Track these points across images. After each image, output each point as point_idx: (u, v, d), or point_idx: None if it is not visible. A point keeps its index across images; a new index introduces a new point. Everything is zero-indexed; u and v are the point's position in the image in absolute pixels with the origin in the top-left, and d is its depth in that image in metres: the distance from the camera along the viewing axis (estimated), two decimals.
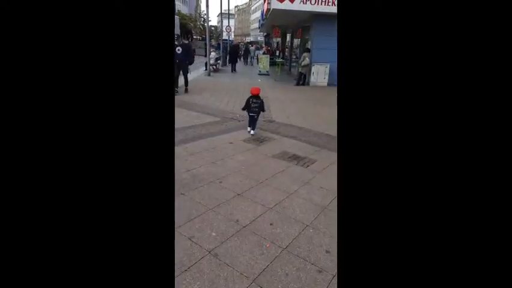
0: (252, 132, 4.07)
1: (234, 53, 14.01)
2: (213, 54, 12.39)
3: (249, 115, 4.10)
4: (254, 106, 4.03)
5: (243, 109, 4.18)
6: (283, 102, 5.74)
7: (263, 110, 4.27)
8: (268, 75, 12.13)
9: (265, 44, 24.65)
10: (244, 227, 2.00)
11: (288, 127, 4.72)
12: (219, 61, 13.53)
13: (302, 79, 9.77)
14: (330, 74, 9.77)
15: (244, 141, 3.87)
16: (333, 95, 7.24)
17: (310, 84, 9.82)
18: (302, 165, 3.17)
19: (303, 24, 11.19)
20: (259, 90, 4.21)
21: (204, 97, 6.75)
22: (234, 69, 13.27)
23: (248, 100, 4.09)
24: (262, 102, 4.12)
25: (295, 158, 3.36)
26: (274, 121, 5.04)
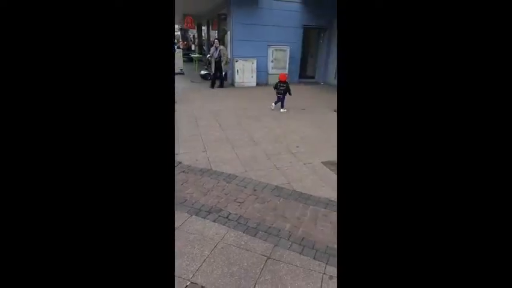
0: (272, 107, 5.44)
1: None
2: None
3: (277, 95, 5.45)
4: (280, 88, 5.37)
5: (274, 88, 5.52)
6: (200, 118, 4.31)
7: (290, 93, 5.43)
8: (183, 74, 9.82)
9: (182, 39, 22.28)
10: None
11: (207, 178, 2.68)
12: None
13: (219, 78, 7.63)
14: (259, 71, 8.18)
15: None
16: (267, 99, 5.34)
17: (236, 84, 8.03)
18: None
19: (218, 11, 9.65)
20: (285, 77, 5.49)
21: None
22: None
23: (277, 83, 5.43)
24: (288, 86, 5.37)
25: None
26: (180, 163, 3.00)
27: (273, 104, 5.46)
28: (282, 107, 5.44)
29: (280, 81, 5.39)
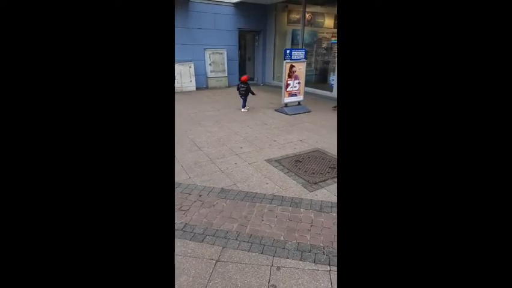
0: (243, 110, 5.64)
1: None
2: None
3: (240, 97, 5.69)
4: (241, 90, 5.55)
5: (237, 89, 5.68)
6: None
7: (252, 93, 5.69)
8: None
9: None
10: None
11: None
12: None
13: None
14: (197, 75, 8.09)
15: None
16: (207, 103, 5.54)
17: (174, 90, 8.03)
18: None
19: None
20: (247, 78, 5.68)
21: None
22: None
23: (238, 85, 5.62)
24: (248, 87, 5.55)
25: None
26: None
27: (242, 108, 5.70)
28: (244, 106, 5.68)
29: (241, 82, 5.59)
